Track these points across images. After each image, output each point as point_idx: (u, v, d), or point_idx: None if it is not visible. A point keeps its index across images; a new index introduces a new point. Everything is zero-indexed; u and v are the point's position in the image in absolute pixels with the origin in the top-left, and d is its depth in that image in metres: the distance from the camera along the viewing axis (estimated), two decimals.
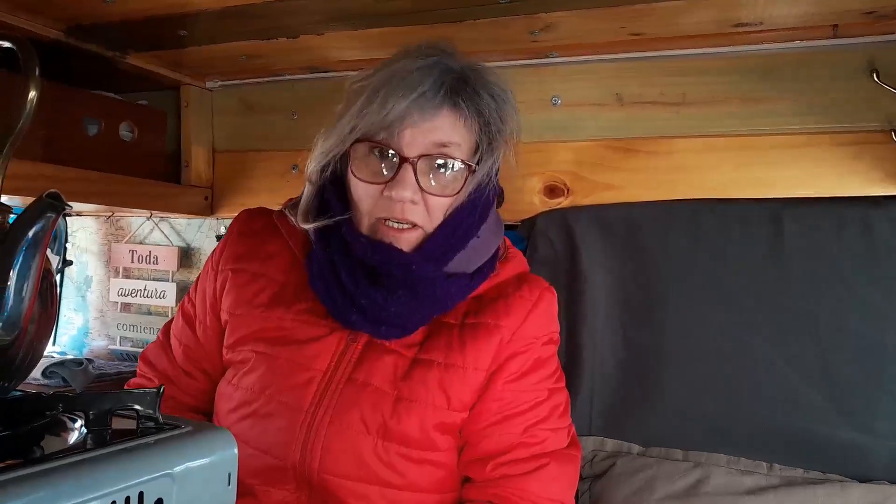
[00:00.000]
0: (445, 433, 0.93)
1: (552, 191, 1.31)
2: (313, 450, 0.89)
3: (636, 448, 1.21)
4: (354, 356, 0.93)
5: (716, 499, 1.10)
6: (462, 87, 0.90)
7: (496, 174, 0.96)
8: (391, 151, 0.88)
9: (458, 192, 0.92)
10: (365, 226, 0.92)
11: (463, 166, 0.91)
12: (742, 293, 1.16)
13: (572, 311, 1.26)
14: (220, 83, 1.61)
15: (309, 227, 0.95)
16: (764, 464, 1.13)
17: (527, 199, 1.32)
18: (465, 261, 0.94)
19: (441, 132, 0.89)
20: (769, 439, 1.14)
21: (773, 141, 1.17)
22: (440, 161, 0.89)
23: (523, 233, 1.33)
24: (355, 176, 0.91)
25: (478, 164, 0.92)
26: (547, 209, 1.31)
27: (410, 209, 0.89)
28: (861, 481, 1.08)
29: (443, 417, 0.91)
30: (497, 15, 1.11)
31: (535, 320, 0.96)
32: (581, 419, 1.23)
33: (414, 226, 0.91)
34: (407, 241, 0.91)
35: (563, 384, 1.00)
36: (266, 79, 1.55)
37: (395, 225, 0.90)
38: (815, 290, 1.13)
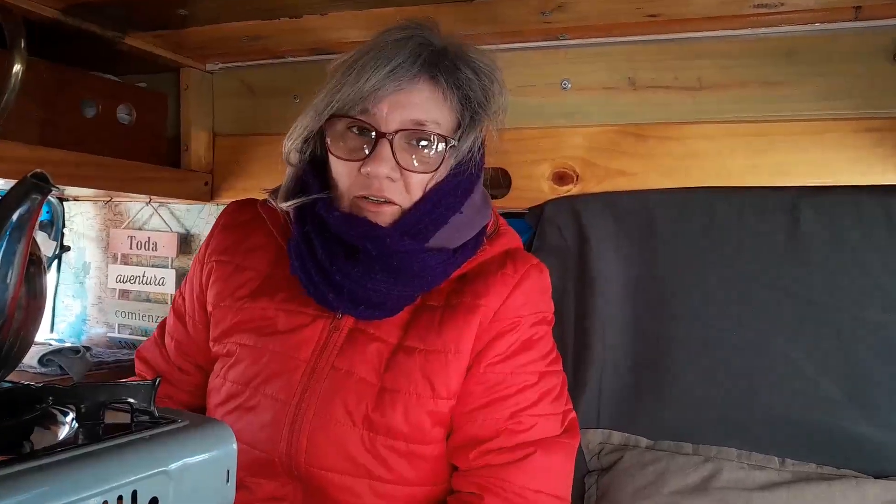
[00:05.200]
0: (437, 425, 0.90)
1: (561, 177, 1.28)
2: (299, 443, 0.87)
3: (644, 441, 1.19)
4: (338, 344, 0.90)
5: (728, 494, 1.08)
6: (440, 61, 0.87)
7: (479, 151, 0.93)
8: (367, 127, 0.86)
9: (438, 169, 0.89)
10: (344, 204, 0.89)
11: (442, 142, 0.88)
12: (758, 283, 1.13)
13: (581, 300, 1.23)
14: (220, 65, 1.58)
15: (286, 205, 0.93)
16: (776, 458, 1.11)
17: (535, 185, 1.29)
18: (447, 237, 0.90)
19: (418, 109, 0.86)
20: (783, 433, 1.11)
21: (792, 127, 1.14)
22: (419, 136, 0.87)
23: (531, 221, 1.30)
24: (332, 154, 0.88)
25: (459, 140, 0.89)
26: (556, 196, 1.28)
27: (388, 186, 0.87)
28: (877, 477, 1.05)
29: (430, 407, 0.88)
30: None
31: (520, 298, 0.91)
32: (589, 411, 1.20)
33: (391, 202, 0.88)
34: (384, 216, 0.88)
35: (557, 367, 0.96)
36: (268, 61, 1.52)
37: (373, 199, 0.87)
38: (833, 280, 1.10)
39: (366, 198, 0.87)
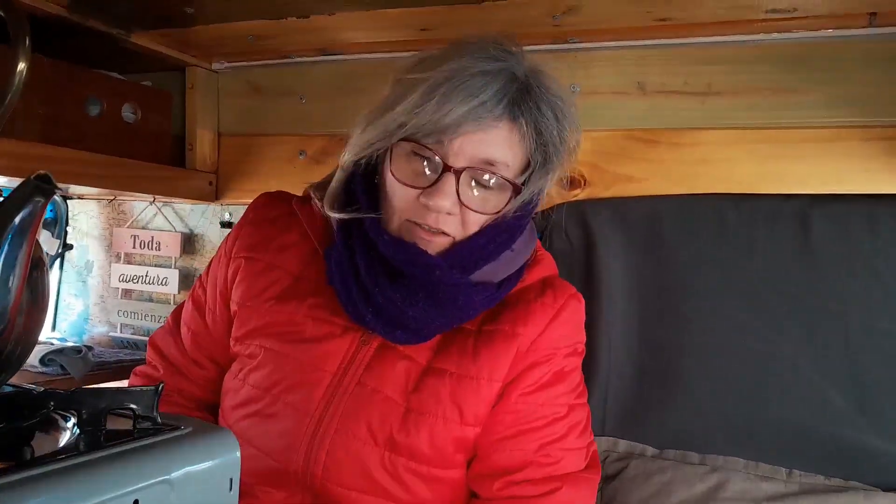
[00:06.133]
0: (460, 451, 0.88)
1: (570, 182, 1.25)
2: (317, 457, 0.85)
3: (650, 450, 1.18)
4: (366, 359, 0.88)
5: None
6: (524, 100, 0.84)
7: (543, 194, 0.91)
8: (437, 158, 0.82)
9: (499, 212, 0.87)
10: (394, 225, 0.86)
11: (509, 186, 0.85)
12: (767, 292, 1.12)
13: (588, 306, 1.18)
14: (226, 65, 1.57)
15: (334, 216, 0.90)
16: (783, 470, 1.09)
17: None
18: (493, 272, 0.89)
19: (493, 148, 0.83)
20: (790, 443, 1.09)
21: (803, 134, 1.13)
22: (487, 176, 0.84)
23: (537, 225, 1.28)
24: (394, 175, 0.85)
25: (524, 183, 0.87)
26: (563, 201, 1.26)
27: (444, 219, 0.84)
28: (886, 490, 1.04)
29: (456, 432, 0.86)
30: None
31: (558, 329, 0.90)
32: (594, 418, 1.17)
33: (444, 234, 0.85)
34: (435, 246, 0.86)
35: (584, 399, 0.95)
36: (274, 61, 1.50)
37: (427, 227, 0.85)
38: (844, 289, 1.09)
39: (418, 224, 0.85)
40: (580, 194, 1.26)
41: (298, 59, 1.48)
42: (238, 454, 0.59)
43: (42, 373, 1.39)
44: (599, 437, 1.19)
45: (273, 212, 1.00)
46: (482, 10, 1.11)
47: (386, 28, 1.23)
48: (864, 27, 1.08)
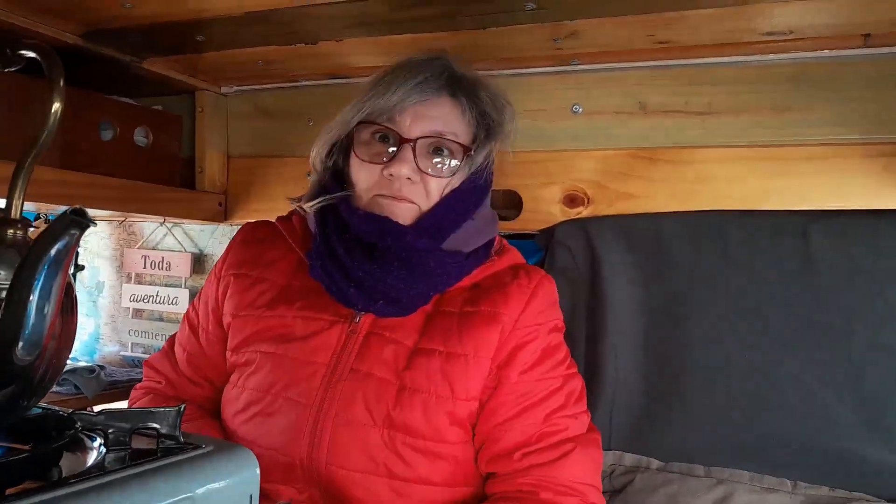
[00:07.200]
0: (455, 424, 0.92)
1: (572, 200, 1.29)
2: (320, 444, 0.89)
3: (656, 463, 1.19)
4: (356, 348, 0.93)
5: None
6: (461, 82, 0.97)
7: (491, 165, 1.00)
8: (392, 134, 0.93)
9: (454, 175, 0.96)
10: (363, 202, 0.96)
11: (460, 150, 0.95)
12: (770, 307, 1.14)
13: (592, 322, 1.24)
14: (235, 88, 1.60)
15: (309, 205, 0.98)
16: (788, 481, 1.10)
17: (545, 208, 1.30)
18: (461, 241, 0.97)
19: (439, 121, 0.94)
20: (795, 456, 1.11)
21: (803, 152, 1.15)
22: (438, 145, 0.95)
23: (541, 243, 1.31)
24: (357, 157, 0.95)
25: (474, 151, 0.97)
26: (566, 219, 1.29)
27: (408, 187, 0.93)
28: (890, 501, 1.05)
29: (449, 408, 0.91)
30: (521, 22, 1.09)
31: (536, 307, 0.96)
32: (600, 432, 1.20)
33: (411, 202, 0.94)
34: (403, 212, 0.94)
35: (575, 370, 1.00)
36: (282, 84, 1.54)
37: (392, 197, 0.94)
38: (846, 303, 1.10)
39: (384, 196, 0.94)
40: (583, 212, 1.28)
41: (306, 83, 1.51)
42: (257, 471, 0.62)
43: (56, 392, 1.41)
44: (606, 451, 1.20)
45: (257, 234, 1.09)
46: (486, 34, 1.13)
47: (392, 53, 1.25)
48: (858, 47, 1.11)
